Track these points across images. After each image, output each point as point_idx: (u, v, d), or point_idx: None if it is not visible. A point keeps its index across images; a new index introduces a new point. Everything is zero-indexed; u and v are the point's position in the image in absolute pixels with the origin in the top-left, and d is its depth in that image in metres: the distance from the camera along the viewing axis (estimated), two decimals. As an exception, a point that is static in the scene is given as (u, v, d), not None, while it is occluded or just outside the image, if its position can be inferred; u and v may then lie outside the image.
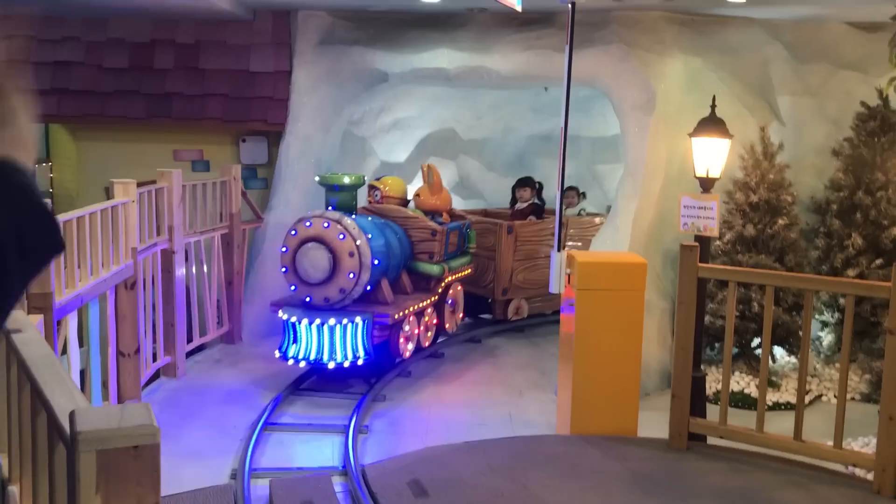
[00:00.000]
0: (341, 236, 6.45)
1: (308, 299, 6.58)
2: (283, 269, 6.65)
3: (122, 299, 6.02)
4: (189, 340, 7.30)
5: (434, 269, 7.39)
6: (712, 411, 5.62)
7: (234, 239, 7.91)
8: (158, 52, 8.57)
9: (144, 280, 6.41)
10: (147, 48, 8.57)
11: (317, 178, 7.09)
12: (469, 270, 8.14)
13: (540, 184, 9.29)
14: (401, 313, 6.81)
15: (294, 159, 8.40)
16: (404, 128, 10.01)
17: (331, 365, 6.42)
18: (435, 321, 7.63)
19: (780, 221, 7.12)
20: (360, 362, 6.49)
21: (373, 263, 6.52)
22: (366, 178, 7.57)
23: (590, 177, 10.90)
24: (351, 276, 6.44)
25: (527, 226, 8.74)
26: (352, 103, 8.81)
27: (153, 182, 6.73)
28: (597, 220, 9.17)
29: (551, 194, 9.28)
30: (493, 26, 8.13)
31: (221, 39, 8.57)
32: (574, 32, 5.34)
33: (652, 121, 7.36)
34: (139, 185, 6.21)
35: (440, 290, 7.54)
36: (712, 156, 5.88)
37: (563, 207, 9.13)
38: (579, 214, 9.36)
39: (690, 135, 6.02)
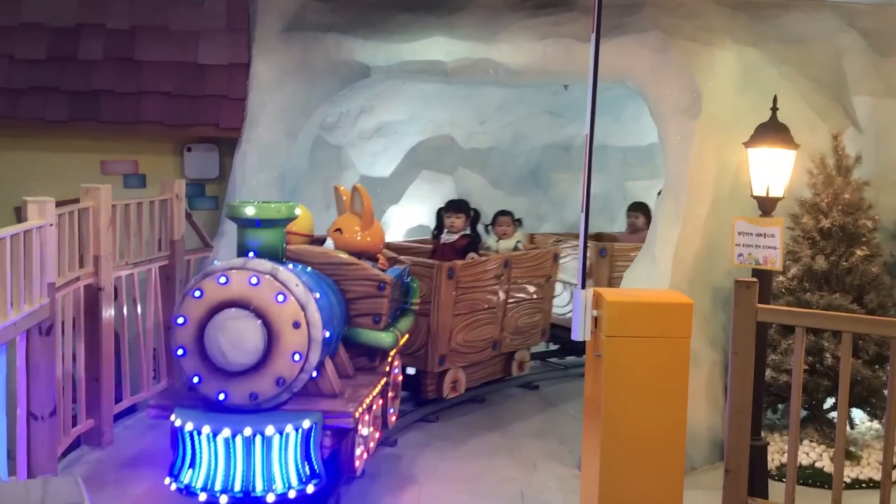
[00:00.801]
0: (280, 297, 5.22)
1: (222, 397, 5.23)
2: (180, 352, 5.27)
3: (36, 347, 6.00)
4: (118, 400, 7.27)
5: (385, 338, 6.24)
6: (776, 490, 5.61)
7: (175, 272, 7.91)
8: (84, 39, 8.63)
9: (64, 323, 6.40)
10: (70, 35, 8.63)
11: (226, 210, 6.09)
12: (408, 336, 7.02)
13: (476, 211, 8.50)
14: (359, 409, 5.54)
15: (252, 173, 8.43)
16: (390, 134, 10.07)
17: (270, 498, 5.13)
18: (380, 413, 6.49)
19: (859, 252, 7.14)
20: (310, 489, 5.26)
21: (323, 337, 5.37)
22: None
23: (620, 196, 10.97)
24: (296, 357, 5.23)
25: (470, 267, 7.85)
26: (325, 104, 8.87)
27: (76, 201, 6.75)
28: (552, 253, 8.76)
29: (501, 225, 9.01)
30: (500, 10, 8.22)
31: (163, 24, 8.64)
32: (601, 17, 5.38)
33: (697, 127, 7.42)
34: (58, 204, 6.22)
35: (386, 369, 6.41)
36: (773, 170, 5.91)
37: (496, 240, 8.98)
38: (516, 248, 8.76)
39: (746, 144, 6.06)
